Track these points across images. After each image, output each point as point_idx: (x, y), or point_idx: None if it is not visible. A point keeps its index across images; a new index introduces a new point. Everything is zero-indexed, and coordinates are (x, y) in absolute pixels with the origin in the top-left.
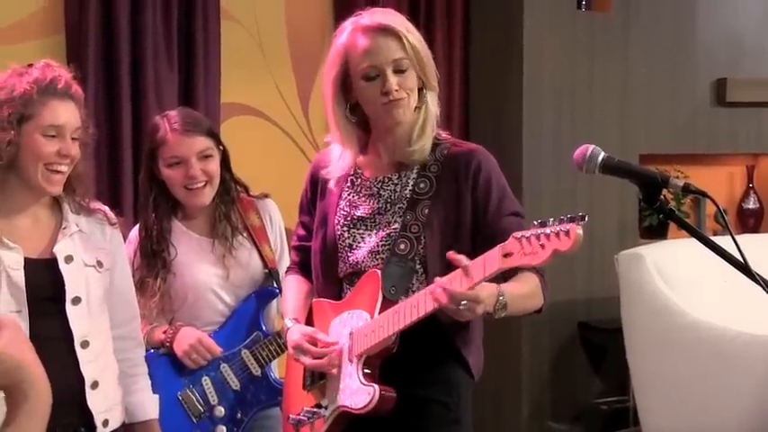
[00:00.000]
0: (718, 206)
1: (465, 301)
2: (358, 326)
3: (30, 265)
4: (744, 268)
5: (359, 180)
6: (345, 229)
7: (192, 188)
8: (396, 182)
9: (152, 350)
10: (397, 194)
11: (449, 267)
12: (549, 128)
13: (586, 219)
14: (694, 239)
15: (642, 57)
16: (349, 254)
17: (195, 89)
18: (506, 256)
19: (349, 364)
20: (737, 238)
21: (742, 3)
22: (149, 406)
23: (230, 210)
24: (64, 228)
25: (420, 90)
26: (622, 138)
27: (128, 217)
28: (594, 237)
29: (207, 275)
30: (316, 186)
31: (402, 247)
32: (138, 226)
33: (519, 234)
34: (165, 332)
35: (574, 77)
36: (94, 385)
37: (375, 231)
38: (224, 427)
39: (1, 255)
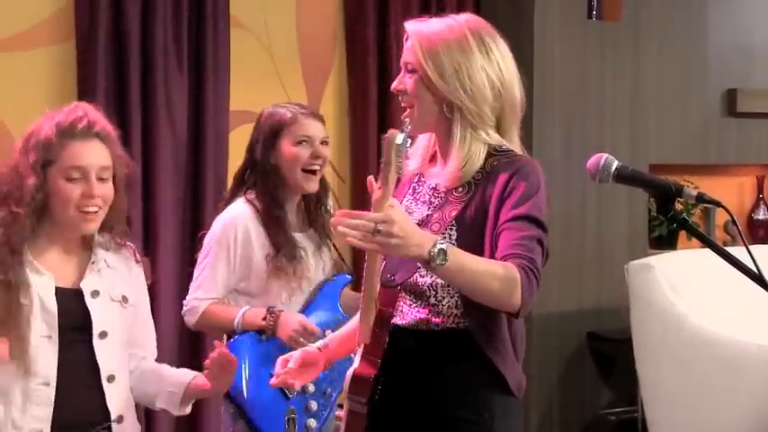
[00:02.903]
0: (732, 215)
1: (379, 226)
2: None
3: (60, 293)
4: (757, 278)
5: (420, 188)
6: None
7: (309, 170)
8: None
9: (253, 333)
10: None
11: None
12: (559, 138)
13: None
14: (704, 250)
15: (652, 66)
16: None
17: (205, 96)
18: None
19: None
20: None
21: (753, 13)
22: (183, 372)
23: (326, 196)
24: (92, 262)
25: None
26: (633, 147)
27: (135, 222)
28: (604, 246)
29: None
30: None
31: None
32: (236, 211)
33: None
34: (264, 318)
35: (584, 86)
36: (120, 419)
37: None
38: (315, 402)
39: (33, 280)
